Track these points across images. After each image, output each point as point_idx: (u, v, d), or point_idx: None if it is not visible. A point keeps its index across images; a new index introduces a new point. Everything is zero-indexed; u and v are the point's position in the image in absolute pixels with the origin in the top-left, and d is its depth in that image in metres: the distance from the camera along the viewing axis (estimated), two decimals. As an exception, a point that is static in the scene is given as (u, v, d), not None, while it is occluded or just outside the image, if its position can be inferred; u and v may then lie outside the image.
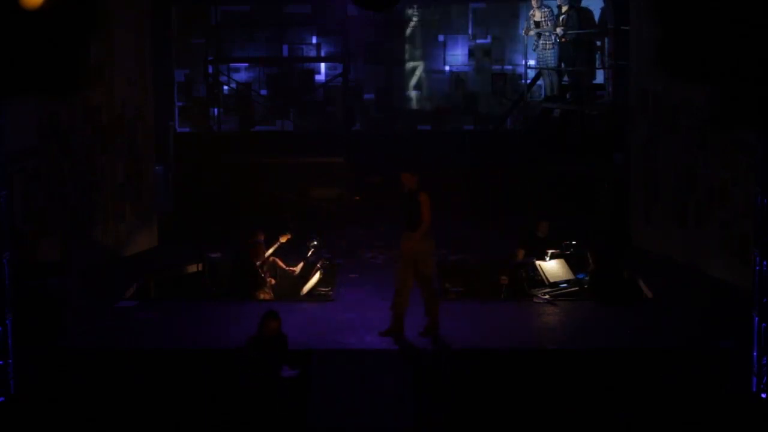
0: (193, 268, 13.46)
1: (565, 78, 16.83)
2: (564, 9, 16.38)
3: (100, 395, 9.36)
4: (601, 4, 16.18)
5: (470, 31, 18.41)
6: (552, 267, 12.48)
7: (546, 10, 16.74)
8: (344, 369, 9.84)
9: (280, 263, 13.03)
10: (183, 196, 16.67)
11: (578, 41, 16.34)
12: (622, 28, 15.18)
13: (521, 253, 13.05)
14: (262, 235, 12.90)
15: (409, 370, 9.88)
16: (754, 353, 9.13)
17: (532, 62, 17.46)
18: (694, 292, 12.08)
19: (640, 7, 14.28)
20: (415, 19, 18.39)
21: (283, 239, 13.21)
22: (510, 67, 18.43)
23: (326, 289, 12.77)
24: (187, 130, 17.92)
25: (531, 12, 16.89)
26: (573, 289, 12.27)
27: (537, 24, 16.70)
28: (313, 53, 18.44)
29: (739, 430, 8.99)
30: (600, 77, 16.81)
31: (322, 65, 18.41)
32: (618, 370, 9.70)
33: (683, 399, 9.27)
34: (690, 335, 10.59)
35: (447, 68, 18.48)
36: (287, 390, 9.29)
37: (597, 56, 16.62)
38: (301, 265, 13.23)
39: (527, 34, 16.96)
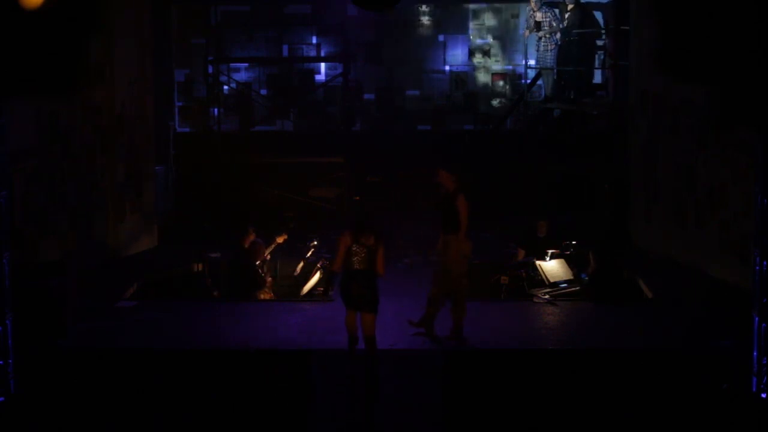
0: (193, 268, 13.46)
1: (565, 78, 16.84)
2: (570, 7, 16.39)
3: (100, 395, 9.36)
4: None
5: (470, 31, 18.40)
6: (552, 267, 12.48)
7: (548, 12, 16.73)
8: (344, 369, 9.83)
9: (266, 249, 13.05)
10: (183, 196, 16.68)
11: (581, 41, 16.36)
12: (622, 28, 15.18)
13: (521, 253, 13.07)
14: (253, 233, 12.93)
15: (411, 371, 9.89)
16: (754, 353, 9.13)
17: (532, 62, 17.46)
18: (694, 292, 12.08)
19: (640, 7, 14.28)
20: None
21: (279, 239, 13.25)
22: (510, 67, 18.43)
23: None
24: (187, 130, 17.91)
25: (530, 13, 16.87)
26: (573, 289, 12.28)
27: (538, 24, 16.69)
28: (313, 53, 18.43)
29: (739, 430, 8.99)
30: (600, 77, 16.82)
31: (322, 65, 18.40)
32: (618, 370, 9.70)
33: (683, 399, 9.26)
34: (690, 335, 10.60)
35: (447, 68, 18.48)
36: (287, 390, 9.30)
37: (596, 56, 16.60)
38: (301, 264, 13.25)
39: (529, 34, 16.94)
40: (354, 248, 9.51)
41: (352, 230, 9.57)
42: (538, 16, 16.71)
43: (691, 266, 13.04)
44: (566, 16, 16.40)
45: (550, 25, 16.66)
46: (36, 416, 9.12)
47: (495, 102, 18.07)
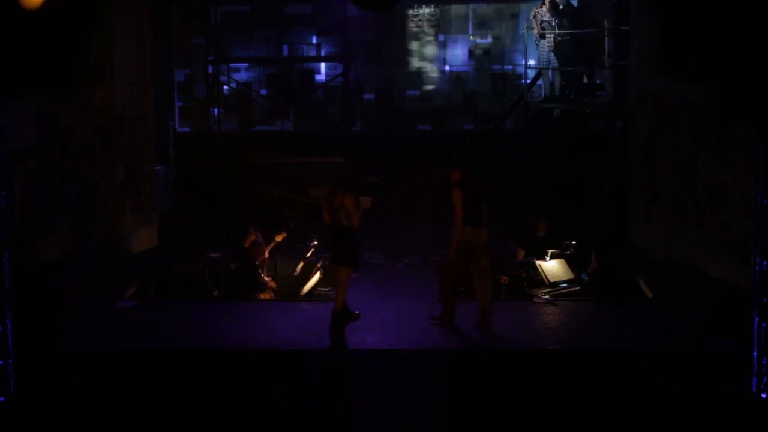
0: (193, 268, 13.46)
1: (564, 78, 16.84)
2: (561, 7, 16.43)
3: (100, 395, 9.36)
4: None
5: (470, 31, 18.41)
6: (552, 267, 12.48)
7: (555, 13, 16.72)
8: (344, 369, 9.84)
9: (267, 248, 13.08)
10: (183, 196, 16.68)
11: (573, 40, 16.37)
12: (622, 28, 15.18)
13: (521, 253, 13.07)
14: (253, 233, 12.94)
15: (411, 371, 9.89)
16: (754, 353, 9.13)
17: (532, 62, 17.46)
18: (694, 292, 12.08)
19: (640, 7, 14.28)
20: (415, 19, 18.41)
21: (278, 238, 13.26)
22: (510, 67, 18.44)
23: (326, 289, 12.79)
24: (187, 130, 17.92)
25: (536, 10, 16.81)
26: (573, 288, 12.28)
27: (542, 24, 16.67)
28: (313, 53, 18.44)
29: (739, 430, 8.99)
30: (600, 77, 16.81)
31: (322, 65, 18.42)
32: (618, 370, 9.69)
33: (683, 399, 9.26)
34: (690, 335, 10.59)
35: (447, 68, 18.49)
36: (287, 390, 9.30)
37: (590, 55, 16.56)
38: (301, 264, 13.26)
39: (535, 34, 16.89)
40: (331, 208, 10.53)
41: (327, 193, 10.61)
42: (547, 15, 16.65)
43: (691, 266, 13.03)
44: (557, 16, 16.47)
45: (550, 25, 16.66)
46: (36, 416, 9.12)
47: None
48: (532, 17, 16.95)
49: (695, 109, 12.98)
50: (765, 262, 9.00)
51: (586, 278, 12.37)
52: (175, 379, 9.60)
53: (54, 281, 10.36)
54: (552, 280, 12.31)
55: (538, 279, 12.40)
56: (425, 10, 18.34)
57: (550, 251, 12.60)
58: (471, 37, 18.42)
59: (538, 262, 12.49)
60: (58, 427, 9.05)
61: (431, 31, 18.42)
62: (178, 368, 9.76)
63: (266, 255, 13.06)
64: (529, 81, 17.51)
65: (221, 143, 17.03)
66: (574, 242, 12.90)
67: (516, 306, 11.91)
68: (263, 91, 18.44)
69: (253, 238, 12.98)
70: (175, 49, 18.08)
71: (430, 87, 18.50)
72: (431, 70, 18.48)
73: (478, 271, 10.65)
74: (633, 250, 14.08)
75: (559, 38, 16.55)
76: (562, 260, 12.61)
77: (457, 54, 18.44)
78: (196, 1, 18.11)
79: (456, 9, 18.39)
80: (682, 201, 13.46)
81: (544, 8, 16.66)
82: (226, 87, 18.05)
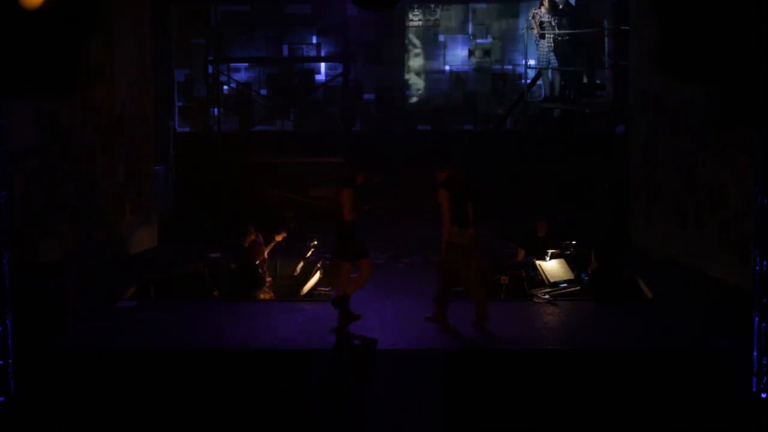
0: (193, 268, 13.46)
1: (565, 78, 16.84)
2: (560, 7, 16.43)
3: (100, 395, 9.36)
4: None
5: (470, 31, 18.41)
6: (552, 267, 12.48)
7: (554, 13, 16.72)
8: (345, 369, 9.84)
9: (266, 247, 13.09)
10: (183, 196, 16.68)
11: (572, 40, 16.37)
12: (622, 28, 15.18)
13: (521, 253, 13.07)
14: (254, 232, 12.95)
15: (411, 371, 9.89)
16: (754, 353, 9.13)
17: (532, 62, 17.46)
18: (694, 292, 12.08)
19: (640, 7, 14.28)
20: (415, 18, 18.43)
21: (279, 237, 13.26)
22: (510, 67, 18.44)
23: (326, 289, 12.79)
24: (187, 130, 17.92)
25: (534, 11, 16.81)
26: (573, 288, 12.28)
27: (542, 24, 16.68)
28: (313, 53, 18.44)
29: (739, 430, 8.99)
30: (600, 77, 16.82)
31: (322, 65, 18.42)
32: (618, 370, 9.69)
33: (683, 399, 9.26)
34: (690, 335, 10.60)
35: (447, 68, 18.49)
36: (287, 390, 9.30)
37: (589, 54, 16.56)
38: (301, 264, 13.26)
39: (535, 34, 16.88)
40: (335, 204, 10.99)
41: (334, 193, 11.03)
42: (546, 15, 16.64)
43: (691, 266, 13.03)
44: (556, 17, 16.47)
45: (550, 25, 16.66)
46: (36, 416, 9.12)
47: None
48: (530, 17, 16.95)
49: (695, 109, 12.98)
50: (765, 262, 8.99)
51: (586, 278, 12.37)
52: (175, 379, 9.60)
53: (54, 281, 10.36)
54: (552, 280, 12.31)
55: (538, 279, 12.40)
56: (425, 11, 18.34)
57: (550, 251, 12.61)
58: (471, 37, 18.42)
59: (538, 262, 12.49)
60: (58, 427, 9.05)
61: (431, 31, 18.43)
62: (178, 368, 9.76)
63: (266, 255, 13.07)
64: (529, 81, 17.51)
65: (221, 143, 17.02)
66: (574, 242, 12.90)
67: (516, 306, 11.92)
68: (263, 91, 18.44)
69: (253, 237, 12.99)
70: (175, 49, 18.08)
71: (430, 87, 18.49)
72: (431, 70, 18.47)
73: (469, 271, 10.66)
74: (633, 250, 14.08)
75: (559, 38, 16.57)
76: (562, 260, 12.61)
77: (457, 54, 18.44)
78: (196, 1, 18.11)
79: (456, 9, 18.38)
80: (682, 201, 13.46)
81: (543, 8, 16.66)
82: (226, 87, 18.04)
